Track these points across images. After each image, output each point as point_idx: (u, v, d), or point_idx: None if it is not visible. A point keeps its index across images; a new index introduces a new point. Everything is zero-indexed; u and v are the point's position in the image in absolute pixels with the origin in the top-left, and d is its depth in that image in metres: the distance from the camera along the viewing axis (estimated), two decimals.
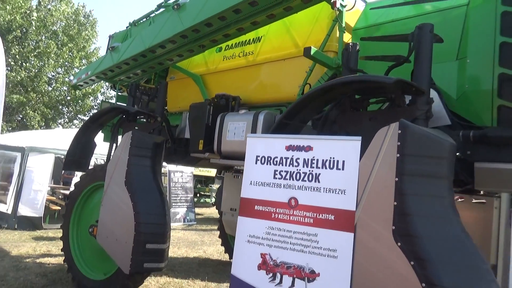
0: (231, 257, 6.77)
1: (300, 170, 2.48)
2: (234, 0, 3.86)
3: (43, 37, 22.94)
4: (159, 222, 4.21)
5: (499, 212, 4.21)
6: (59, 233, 5.17)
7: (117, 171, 4.41)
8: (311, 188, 2.42)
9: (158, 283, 5.37)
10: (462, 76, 3.09)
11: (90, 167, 5.52)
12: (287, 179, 2.51)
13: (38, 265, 5.68)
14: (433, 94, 3.13)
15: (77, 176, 8.49)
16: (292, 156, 2.51)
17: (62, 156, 6.92)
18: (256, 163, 2.64)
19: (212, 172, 15.42)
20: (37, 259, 6.07)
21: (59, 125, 25.88)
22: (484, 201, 4.15)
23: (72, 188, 5.63)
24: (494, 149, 2.88)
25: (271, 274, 2.45)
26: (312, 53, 3.44)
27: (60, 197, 10.84)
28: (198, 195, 16.24)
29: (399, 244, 2.04)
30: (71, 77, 22.63)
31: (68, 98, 24.98)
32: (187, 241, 8.82)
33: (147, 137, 4.53)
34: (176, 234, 9.70)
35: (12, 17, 20.73)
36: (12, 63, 21.64)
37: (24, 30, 22.04)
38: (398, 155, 2.12)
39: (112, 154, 4.94)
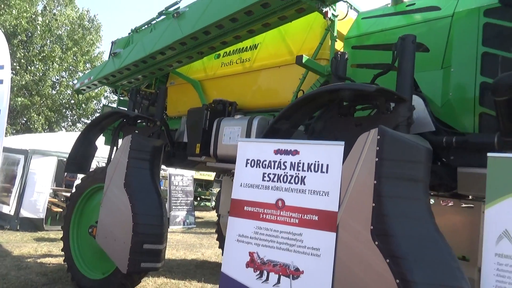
0: None
1: (287, 173, 2.61)
2: (231, 9, 4.02)
3: (48, 41, 23.24)
4: (157, 223, 4.34)
5: None
6: (60, 234, 5.31)
7: (116, 173, 4.55)
8: (297, 190, 2.55)
9: (155, 284, 5.49)
10: (446, 84, 3.22)
11: (91, 170, 5.66)
12: (275, 181, 2.64)
13: (38, 265, 5.82)
14: (419, 101, 3.28)
15: (79, 179, 8.64)
16: (280, 159, 2.65)
17: (65, 159, 7.08)
18: (246, 166, 2.78)
19: (212, 176, 15.57)
20: (38, 259, 6.20)
21: (62, 128, 26.13)
22: (472, 206, 4.25)
23: (73, 190, 5.78)
24: (476, 154, 3.00)
25: (258, 272, 2.57)
26: (303, 61, 3.59)
27: (62, 199, 10.99)
28: (198, 198, 16.36)
29: (376, 242, 2.17)
30: (75, 81, 22.88)
31: (72, 101, 25.23)
32: (186, 243, 8.94)
33: (146, 141, 4.67)
34: (175, 236, 9.83)
35: (18, 22, 21.04)
36: (17, 67, 21.93)
37: (29, 34, 22.34)
38: (377, 159, 2.25)
39: (112, 157, 5.08)
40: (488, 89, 2.87)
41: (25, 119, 23.97)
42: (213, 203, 15.40)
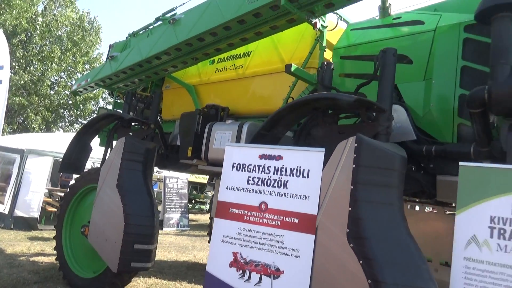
0: None
1: (270, 177, 2.72)
2: (225, 18, 4.16)
3: (48, 41, 23.36)
4: (147, 224, 4.43)
5: None
6: (54, 234, 5.39)
7: (109, 174, 4.65)
8: (279, 194, 2.67)
9: (146, 284, 5.57)
10: (428, 95, 3.36)
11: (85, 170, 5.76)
12: (259, 185, 2.76)
13: (31, 263, 5.89)
14: (401, 110, 3.42)
15: (74, 179, 8.72)
16: (264, 164, 2.77)
17: (60, 159, 7.16)
18: (232, 169, 2.90)
19: (207, 179, 15.66)
20: (30, 257, 6.28)
21: (60, 128, 26.19)
22: (455, 213, 4.38)
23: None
24: (454, 163, 3.12)
25: (241, 271, 2.68)
26: (292, 69, 3.72)
27: (57, 199, 11.06)
28: (193, 201, 16.43)
29: (351, 245, 2.28)
30: (74, 82, 22.99)
31: (70, 102, 25.33)
32: (178, 245, 9.02)
33: (139, 143, 4.77)
34: (168, 238, 9.91)
35: (18, 22, 21.17)
36: (16, 66, 22.02)
37: (29, 35, 22.46)
38: (354, 165, 2.38)
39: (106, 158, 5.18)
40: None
41: (22, 118, 24.03)
42: (208, 206, 15.48)
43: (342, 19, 4.51)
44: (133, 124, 5.61)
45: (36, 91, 22.84)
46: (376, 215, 2.29)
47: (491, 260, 2.25)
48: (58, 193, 11.15)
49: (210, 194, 15.89)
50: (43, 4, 24.02)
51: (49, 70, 23.00)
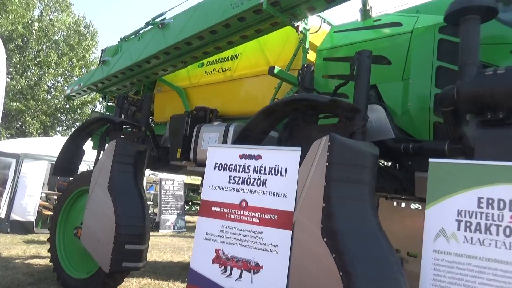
0: None
1: (250, 176, 2.83)
2: (210, 22, 4.27)
3: (44, 46, 23.45)
4: (138, 225, 4.52)
5: None
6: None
7: (101, 176, 4.74)
8: (259, 192, 2.77)
9: (139, 284, 5.66)
10: (405, 95, 3.46)
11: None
12: (239, 183, 2.86)
13: (26, 266, 5.98)
14: (381, 110, 3.53)
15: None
16: (245, 163, 2.87)
17: None
18: (214, 169, 3.00)
19: (201, 180, 15.73)
20: (26, 260, 6.37)
21: (57, 132, 26.25)
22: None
23: None
24: None
25: (223, 267, 2.78)
26: (275, 71, 3.83)
27: (54, 203, 11.14)
28: (190, 203, 16.52)
29: (325, 239, 2.38)
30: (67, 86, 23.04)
31: (67, 106, 25.39)
32: (174, 246, 9.10)
33: (130, 146, 4.87)
34: (164, 240, 9.99)
35: (14, 27, 21.25)
36: (13, 72, 22.10)
37: (25, 40, 22.55)
38: (327, 163, 2.48)
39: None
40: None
41: (20, 123, 24.10)
42: None
43: (326, 21, 4.62)
44: (124, 127, 5.71)
45: (33, 96, 22.91)
46: (348, 211, 2.39)
47: (458, 251, 2.35)
48: (55, 197, 11.24)
49: None
50: (39, 9, 24.12)
51: (46, 74, 23.07)
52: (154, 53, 5.07)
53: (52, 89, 24.74)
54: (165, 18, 5.58)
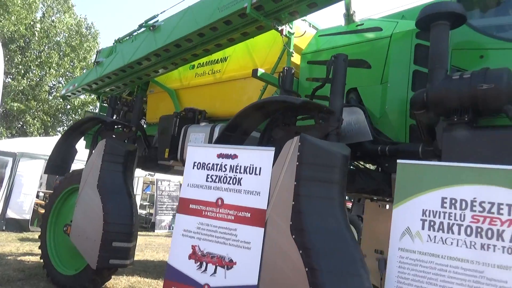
0: None
1: (227, 174, 2.91)
2: (198, 25, 4.37)
3: (46, 47, 23.64)
4: (126, 223, 4.61)
5: None
6: None
7: (91, 175, 4.83)
8: (234, 190, 2.85)
9: (128, 282, 5.74)
10: (384, 98, 3.55)
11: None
12: (216, 182, 2.94)
13: (18, 262, 6.07)
14: (360, 112, 3.61)
15: None
16: (222, 162, 2.95)
17: None
18: (193, 168, 3.08)
19: None
20: (18, 257, 6.46)
21: (58, 132, 26.38)
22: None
23: None
24: None
25: (198, 263, 2.86)
26: (258, 74, 3.92)
27: None
28: None
29: (293, 236, 2.46)
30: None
31: (68, 107, 25.55)
32: (167, 246, 9.18)
33: (120, 145, 4.96)
34: (158, 240, 10.07)
35: (16, 28, 21.43)
36: (15, 73, 22.28)
37: (27, 40, 22.73)
38: (298, 163, 2.56)
39: None
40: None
41: (21, 123, 24.27)
42: None
43: (311, 25, 4.71)
44: (116, 127, 5.80)
45: (35, 96, 23.08)
46: (315, 209, 2.47)
47: (422, 250, 2.43)
48: None
49: None
50: (41, 11, 24.33)
51: (47, 75, 23.25)
52: (145, 54, 5.17)
53: (53, 90, 24.91)
54: (157, 20, 5.69)
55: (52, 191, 12.50)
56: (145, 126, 6.52)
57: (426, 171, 2.53)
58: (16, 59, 22.11)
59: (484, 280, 2.24)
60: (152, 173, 11.85)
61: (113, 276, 5.25)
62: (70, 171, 5.77)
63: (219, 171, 2.94)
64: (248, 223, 2.73)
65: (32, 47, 22.78)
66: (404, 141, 3.40)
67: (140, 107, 5.66)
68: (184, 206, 3.04)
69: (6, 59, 22.04)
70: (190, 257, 2.90)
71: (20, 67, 22.52)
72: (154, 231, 11.71)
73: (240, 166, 2.86)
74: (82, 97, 23.03)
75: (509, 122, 2.48)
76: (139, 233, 11.01)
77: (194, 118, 5.04)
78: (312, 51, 4.31)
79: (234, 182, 2.86)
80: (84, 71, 25.60)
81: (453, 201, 2.40)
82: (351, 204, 8.99)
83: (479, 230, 2.30)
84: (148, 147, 5.86)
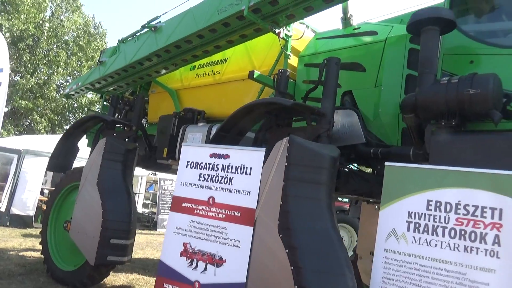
0: None
1: (219, 174, 2.97)
2: (198, 26, 4.44)
3: (54, 46, 23.92)
4: (124, 220, 4.68)
5: None
6: None
7: (91, 172, 4.92)
8: (225, 189, 2.91)
9: (127, 279, 5.82)
10: (377, 101, 3.58)
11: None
12: (208, 181, 3.00)
13: (20, 257, 6.18)
14: (354, 115, 3.65)
15: None
16: (214, 162, 3.01)
17: None
18: (186, 167, 3.15)
19: None
20: (20, 252, 6.57)
21: (64, 131, 26.65)
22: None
23: None
24: None
25: (189, 260, 2.92)
26: (255, 76, 3.98)
27: None
28: None
29: (280, 235, 2.51)
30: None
31: (75, 105, 25.82)
32: None
33: (119, 144, 5.04)
34: (160, 239, 10.15)
35: (26, 27, 21.72)
36: (24, 71, 22.57)
37: (36, 39, 23.02)
38: (286, 163, 2.61)
39: None
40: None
41: (28, 121, 24.57)
42: None
43: (309, 28, 4.75)
44: (117, 126, 5.88)
45: (42, 94, 23.36)
46: (302, 209, 2.52)
47: (407, 251, 2.47)
48: None
49: None
50: (50, 10, 24.63)
51: (55, 74, 23.52)
52: (146, 55, 5.25)
53: (60, 88, 25.18)
54: (159, 21, 5.78)
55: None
56: (146, 125, 6.60)
57: (413, 174, 2.57)
58: (24, 58, 22.40)
59: (466, 282, 2.27)
60: (156, 172, 11.94)
61: (112, 273, 5.34)
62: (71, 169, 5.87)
63: (211, 170, 3.01)
64: (238, 222, 2.79)
65: (41, 46, 23.05)
66: (397, 144, 3.43)
67: (141, 107, 5.74)
68: (177, 204, 3.11)
69: (15, 57, 22.41)
70: (181, 254, 2.96)
71: (29, 65, 22.81)
72: (156, 230, 11.80)
73: (232, 166, 2.92)
74: (89, 96, 23.28)
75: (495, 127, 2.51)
76: (141, 231, 11.20)
77: (193, 118, 5.11)
78: (309, 54, 4.36)
79: (225, 181, 2.92)
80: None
81: (438, 204, 2.43)
82: (348, 206, 9.02)
83: (462, 232, 2.34)
84: (149, 146, 5.93)
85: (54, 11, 24.45)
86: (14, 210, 9.12)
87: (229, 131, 3.52)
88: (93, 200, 4.75)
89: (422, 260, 2.41)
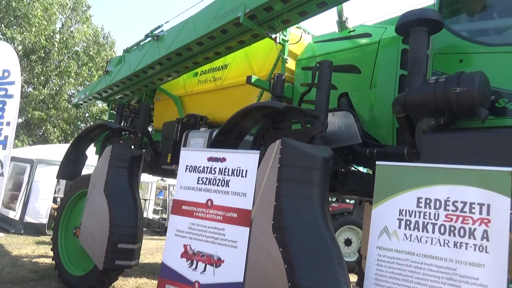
0: None
1: (216, 177, 3.06)
2: (197, 34, 4.55)
3: (65, 57, 24.43)
4: (131, 225, 4.80)
5: None
6: None
7: (98, 179, 5.06)
8: (223, 192, 3.00)
9: (136, 283, 5.94)
10: (373, 102, 3.64)
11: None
12: (206, 184, 3.10)
13: (32, 264, 6.35)
14: (350, 116, 3.71)
15: None
16: (211, 165, 3.10)
17: None
18: (185, 171, 3.24)
19: None
20: (33, 259, 6.75)
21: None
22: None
23: None
24: None
25: (190, 261, 3.01)
26: (252, 81, 4.07)
27: None
28: None
29: (275, 235, 2.58)
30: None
31: (87, 115, 26.28)
32: None
33: (125, 151, 5.17)
34: None
35: (37, 39, 22.25)
36: (36, 83, 23.10)
37: (47, 51, 23.55)
38: (279, 165, 2.69)
39: None
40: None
41: (42, 131, 25.10)
42: None
43: (307, 32, 4.83)
44: (123, 133, 6.03)
45: (55, 105, 23.85)
46: (295, 208, 2.59)
47: (399, 248, 2.52)
48: None
49: None
50: (60, 22, 25.19)
51: (66, 84, 24.01)
52: (149, 63, 5.40)
53: (72, 98, 25.67)
54: (162, 30, 5.93)
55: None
56: (152, 132, 6.74)
57: (403, 172, 2.62)
58: (37, 69, 22.93)
59: (457, 277, 2.31)
60: (165, 178, 12.10)
61: (121, 278, 5.46)
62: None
63: (209, 173, 3.10)
64: (235, 223, 2.87)
65: (52, 57, 23.57)
66: (392, 143, 3.48)
67: (145, 114, 5.88)
68: (177, 207, 3.20)
69: (28, 69, 22.97)
70: (182, 256, 3.05)
71: (41, 77, 23.35)
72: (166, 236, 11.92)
73: (228, 169, 3.01)
74: (99, 105, 23.66)
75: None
76: (152, 237, 11.31)
77: (195, 124, 5.22)
78: (307, 57, 4.44)
79: (222, 184, 3.01)
80: None
81: (428, 201, 2.48)
82: (352, 207, 9.02)
83: (452, 228, 2.38)
84: (154, 152, 6.06)
85: (64, 23, 25.00)
86: (28, 218, 9.34)
87: (228, 135, 3.61)
88: (101, 206, 4.88)
89: (413, 257, 2.46)
